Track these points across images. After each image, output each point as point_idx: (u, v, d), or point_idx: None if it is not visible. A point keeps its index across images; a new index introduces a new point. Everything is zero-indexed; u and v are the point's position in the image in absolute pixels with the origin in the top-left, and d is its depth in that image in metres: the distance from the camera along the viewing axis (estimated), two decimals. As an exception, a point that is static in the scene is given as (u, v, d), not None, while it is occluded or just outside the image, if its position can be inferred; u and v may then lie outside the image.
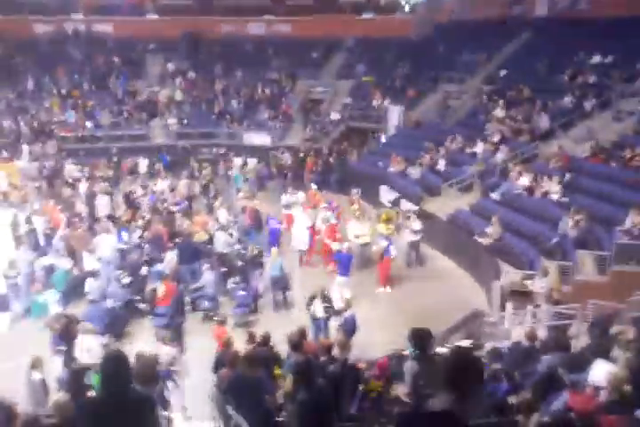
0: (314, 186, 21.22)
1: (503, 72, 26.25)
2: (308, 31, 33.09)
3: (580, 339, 10.74)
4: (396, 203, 20.45)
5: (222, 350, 9.95)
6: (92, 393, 8.09)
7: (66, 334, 11.73)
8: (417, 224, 17.25)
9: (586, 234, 14.46)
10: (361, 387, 8.55)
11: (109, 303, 13.47)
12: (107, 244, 15.77)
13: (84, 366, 9.08)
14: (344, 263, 14.98)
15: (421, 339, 6.70)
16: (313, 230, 17.51)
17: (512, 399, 7.76)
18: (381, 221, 16.73)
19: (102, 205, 19.59)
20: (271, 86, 31.49)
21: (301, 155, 26.39)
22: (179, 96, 30.52)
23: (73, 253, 15.90)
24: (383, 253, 15.74)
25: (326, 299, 12.78)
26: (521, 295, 12.80)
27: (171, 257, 15.66)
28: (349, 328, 11.41)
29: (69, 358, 11.05)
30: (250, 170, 24.32)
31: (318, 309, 12.71)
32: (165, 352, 10.33)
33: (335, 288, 14.16)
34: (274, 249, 15.46)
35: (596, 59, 23.40)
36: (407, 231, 17.25)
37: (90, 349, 10.67)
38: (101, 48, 33.05)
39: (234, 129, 28.76)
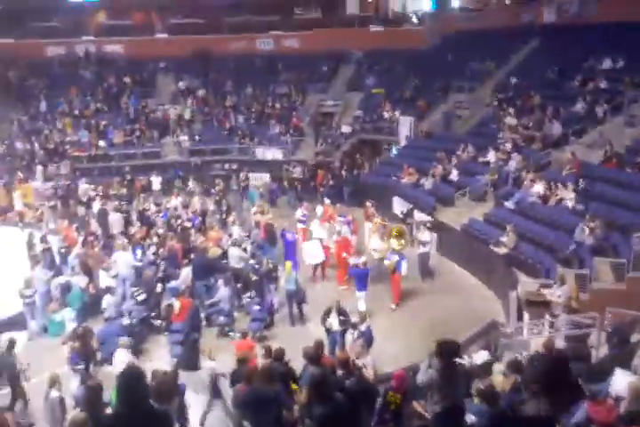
0: (327, 200, 21.16)
1: (513, 80, 26.20)
2: (316, 45, 33.36)
3: (600, 348, 10.59)
4: (409, 214, 20.37)
5: (239, 365, 9.90)
6: (108, 410, 8.09)
7: (84, 352, 11.78)
8: (425, 235, 17.13)
9: (602, 241, 14.31)
10: (380, 400, 8.49)
11: (125, 321, 13.49)
12: (123, 261, 15.82)
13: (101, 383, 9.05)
14: (360, 278, 14.85)
15: (448, 351, 6.65)
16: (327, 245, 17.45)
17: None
18: (392, 236, 16.51)
19: (115, 222, 19.68)
20: (281, 101, 31.65)
21: (312, 168, 26.42)
22: (190, 113, 30.74)
23: (89, 272, 15.96)
24: (395, 269, 15.55)
25: (342, 312, 12.72)
26: (538, 305, 12.64)
27: (186, 273, 15.69)
28: (366, 340, 11.33)
29: (86, 375, 11.08)
30: (261, 185, 24.36)
31: (334, 322, 12.65)
32: (209, 367, 10.28)
33: (360, 303, 14.14)
34: (287, 263, 15.42)
35: (607, 64, 23.31)
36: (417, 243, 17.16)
37: (123, 362, 10.71)
38: (112, 68, 33.45)
39: (245, 144, 28.89)
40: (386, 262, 15.85)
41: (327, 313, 12.77)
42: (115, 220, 19.81)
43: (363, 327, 11.76)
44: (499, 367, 8.94)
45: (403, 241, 16.50)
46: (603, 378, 7.69)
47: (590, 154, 19.14)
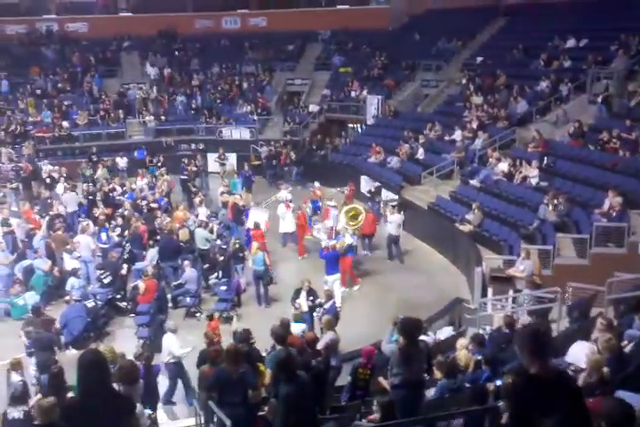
0: (317, 183, 20.79)
1: (479, 59, 26.24)
2: (283, 24, 32.96)
3: (560, 322, 10.78)
4: (376, 193, 20.43)
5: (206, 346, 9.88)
6: (71, 394, 8.03)
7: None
8: (393, 217, 17.11)
9: (565, 217, 14.50)
10: (349, 377, 8.58)
11: (90, 303, 13.36)
12: (84, 243, 15.59)
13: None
14: (330, 261, 14.51)
15: (411, 328, 6.72)
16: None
17: (493, 386, 7.78)
18: (348, 217, 16.22)
19: (69, 202, 19.34)
20: (249, 80, 31.30)
21: (275, 147, 26.25)
22: (156, 93, 30.26)
23: (52, 255, 15.72)
24: (346, 250, 15.14)
25: (312, 293, 12.72)
26: (502, 281, 12.82)
27: (152, 255, 15.56)
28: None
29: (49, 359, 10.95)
30: (229, 171, 24.04)
31: (303, 303, 12.65)
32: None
33: (333, 286, 14.03)
34: (254, 243, 15.35)
35: (571, 43, 23.42)
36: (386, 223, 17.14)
37: (171, 345, 10.68)
38: (76, 47, 32.68)
39: (212, 124, 28.55)
40: (336, 243, 15.06)
41: (297, 294, 12.78)
42: (69, 199, 19.44)
43: (327, 305, 11.82)
44: (462, 342, 9.07)
45: (355, 223, 16.27)
46: (563, 352, 7.82)
47: (554, 132, 19.32)
